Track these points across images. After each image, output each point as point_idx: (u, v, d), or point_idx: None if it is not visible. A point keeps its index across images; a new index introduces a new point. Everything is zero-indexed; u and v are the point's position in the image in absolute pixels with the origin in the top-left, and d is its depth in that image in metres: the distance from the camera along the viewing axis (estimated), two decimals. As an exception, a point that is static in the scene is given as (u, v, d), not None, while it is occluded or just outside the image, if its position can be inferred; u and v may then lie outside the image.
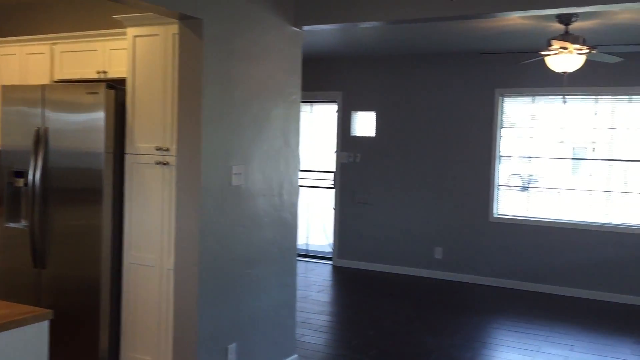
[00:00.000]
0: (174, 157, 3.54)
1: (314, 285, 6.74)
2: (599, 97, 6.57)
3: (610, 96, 6.52)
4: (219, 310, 3.50)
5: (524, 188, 7.06)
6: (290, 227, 4.14)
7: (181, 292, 3.38)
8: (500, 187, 6.97)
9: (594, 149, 6.90)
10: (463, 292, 6.56)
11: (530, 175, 7.08)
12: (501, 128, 6.95)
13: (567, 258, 6.57)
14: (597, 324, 5.51)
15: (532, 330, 5.26)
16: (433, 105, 7.24)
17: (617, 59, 5.22)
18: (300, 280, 6.85)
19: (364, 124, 7.79)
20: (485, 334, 5.17)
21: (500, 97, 6.92)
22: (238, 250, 3.64)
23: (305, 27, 4.05)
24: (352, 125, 7.76)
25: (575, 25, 4.99)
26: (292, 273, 4.20)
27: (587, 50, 4.90)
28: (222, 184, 3.47)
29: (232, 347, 3.61)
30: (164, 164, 3.66)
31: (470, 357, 4.58)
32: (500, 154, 6.95)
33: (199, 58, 3.27)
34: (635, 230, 6.30)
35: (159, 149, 3.67)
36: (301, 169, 8.62)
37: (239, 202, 3.62)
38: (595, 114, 6.68)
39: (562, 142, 6.86)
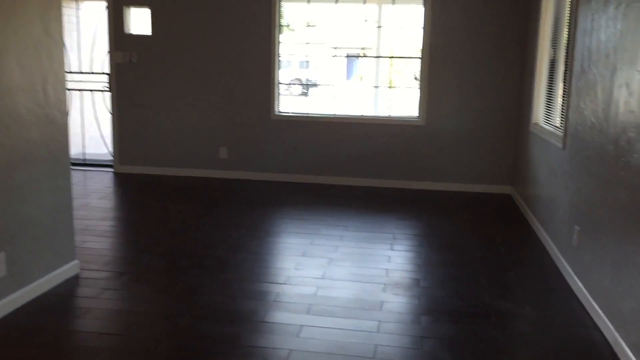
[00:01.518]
0: None
1: (95, 193, 6.40)
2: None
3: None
4: (-19, 218, 3.15)
5: (304, 93, 7.35)
6: (59, 126, 3.81)
7: None
8: (281, 85, 7.14)
9: (364, 51, 7.37)
10: (248, 189, 6.76)
11: (309, 80, 7.36)
12: (279, 32, 7.01)
13: (342, 150, 7.08)
14: (367, 207, 6.10)
15: (311, 217, 5.65)
16: (211, 3, 7.02)
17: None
18: (79, 189, 6.46)
19: (139, 21, 7.31)
20: (269, 223, 5.43)
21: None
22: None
23: None
24: (125, 23, 7.23)
25: None
26: (65, 175, 3.91)
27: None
28: (-30, 76, 3.03)
29: (1, 256, 3.31)
30: None
31: (256, 244, 4.79)
32: (280, 56, 7.06)
33: None
34: (400, 121, 6.98)
35: None
36: (72, 70, 7.94)
37: (-7, 97, 3.20)
38: (365, 20, 7.08)
39: (336, 47, 7.19)
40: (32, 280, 3.60)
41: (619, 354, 3.07)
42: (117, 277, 4.02)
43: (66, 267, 3.92)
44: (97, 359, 2.94)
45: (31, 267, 3.59)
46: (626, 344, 3.00)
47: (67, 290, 3.77)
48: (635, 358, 2.87)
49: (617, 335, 3.12)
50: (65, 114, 3.86)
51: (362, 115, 7.06)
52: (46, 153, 3.69)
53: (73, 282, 3.90)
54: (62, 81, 3.81)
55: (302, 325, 3.35)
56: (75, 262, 4.05)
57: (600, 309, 3.42)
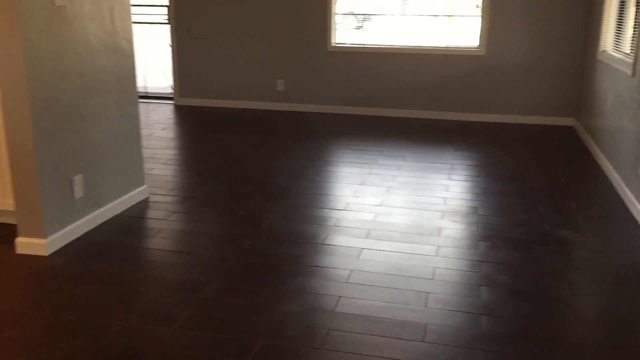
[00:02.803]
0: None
1: (157, 124, 6.60)
2: None
3: None
4: (59, 142, 3.33)
5: (359, 27, 7.25)
6: (126, 54, 3.92)
7: (13, 125, 3.14)
8: (337, 16, 7.05)
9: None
10: (305, 121, 6.82)
11: (365, 13, 7.24)
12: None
13: (399, 82, 7.01)
14: (424, 139, 6.08)
15: (369, 147, 5.69)
16: None
17: None
18: (142, 120, 6.66)
19: (196, -49, 7.29)
20: (328, 154, 5.50)
21: None
22: (73, 78, 3.41)
23: None
24: (182, -46, 7.22)
25: None
26: (133, 103, 4.06)
27: None
28: (44, 3, 3.14)
29: (78, 178, 3.51)
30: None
31: (314, 173, 4.89)
32: (337, -19, 6.94)
33: None
34: (458, 51, 6.82)
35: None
36: (132, 3, 8.04)
37: (66, 25, 3.32)
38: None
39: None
40: (107, 202, 3.81)
41: (683, 281, 3.05)
42: (183, 202, 4.21)
43: (137, 191, 4.13)
44: (172, 273, 3.13)
45: (105, 189, 3.79)
46: (690, 271, 2.97)
47: (139, 212, 3.98)
48: (700, 284, 2.85)
49: (681, 262, 3.09)
50: (131, 42, 3.96)
51: (420, 46, 6.93)
52: (115, 81, 3.82)
53: (143, 205, 4.11)
54: (128, 10, 3.90)
55: (362, 249, 3.46)
56: (145, 186, 4.24)
57: (665, 237, 3.38)
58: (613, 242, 3.61)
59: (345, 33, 7.13)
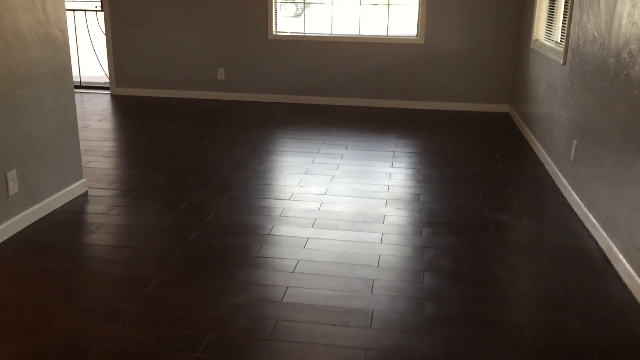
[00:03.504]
0: None
1: (94, 115, 6.40)
2: None
3: None
4: (-9, 136, 3.19)
5: (298, 15, 7.24)
6: (60, 44, 3.78)
7: (-60, 119, 2.99)
8: (279, 5, 7.01)
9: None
10: (247, 110, 6.77)
11: (304, 0, 7.23)
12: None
13: (340, 70, 7.05)
14: (366, 127, 6.15)
15: (311, 136, 5.71)
16: None
17: None
18: (77, 111, 6.44)
19: (130, -64, 7.07)
20: (270, 143, 5.49)
21: None
22: (3, 70, 3.27)
23: None
24: (116, -62, 7.00)
25: None
26: (69, 94, 3.92)
27: None
28: (-31, -8, 2.99)
29: (12, 173, 3.38)
30: None
31: (258, 163, 4.87)
32: (276, -31, 6.89)
33: None
34: (397, 40, 6.91)
35: None
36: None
37: (-6, 14, 3.17)
38: None
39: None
40: (43, 198, 3.69)
41: (612, 260, 3.22)
42: (124, 195, 4.12)
43: (75, 185, 4.01)
44: (115, 269, 3.07)
45: (41, 184, 3.67)
46: (619, 250, 3.14)
47: (77, 207, 3.87)
48: (627, 262, 3.02)
49: (610, 242, 3.27)
50: (65, 32, 3.82)
51: (360, 35, 6.98)
52: (49, 72, 3.69)
53: (82, 200, 3.99)
54: (61, -2, 3.76)
55: (308, 238, 3.48)
56: (84, 180, 4.12)
57: (595, 219, 3.55)
58: (548, 225, 3.77)
59: (285, 20, 7.10)
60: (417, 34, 6.85)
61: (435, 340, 2.51)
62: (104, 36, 7.34)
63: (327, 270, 3.10)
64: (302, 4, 7.30)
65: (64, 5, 3.79)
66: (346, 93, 7.10)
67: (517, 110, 6.42)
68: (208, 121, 6.23)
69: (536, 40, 5.77)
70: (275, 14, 7.02)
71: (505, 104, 6.94)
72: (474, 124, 6.34)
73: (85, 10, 7.74)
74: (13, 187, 3.39)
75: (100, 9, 7.28)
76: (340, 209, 3.95)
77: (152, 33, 7.19)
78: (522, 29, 6.45)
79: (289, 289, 2.90)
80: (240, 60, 7.16)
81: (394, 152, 5.25)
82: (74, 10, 7.73)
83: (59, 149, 3.83)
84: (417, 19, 6.81)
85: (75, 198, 3.99)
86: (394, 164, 4.92)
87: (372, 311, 2.71)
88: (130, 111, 6.68)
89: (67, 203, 3.90)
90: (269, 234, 3.52)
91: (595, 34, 3.79)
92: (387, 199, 4.13)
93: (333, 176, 4.58)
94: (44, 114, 3.65)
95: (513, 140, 5.75)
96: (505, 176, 4.67)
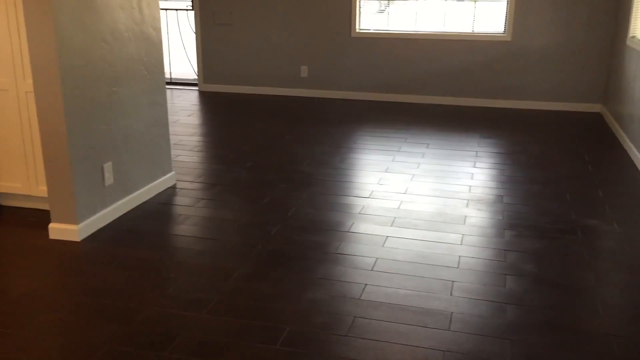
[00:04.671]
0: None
1: (182, 110, 6.66)
2: None
3: None
4: (90, 130, 3.40)
5: (382, 11, 7.22)
6: (154, 43, 3.97)
7: (45, 114, 3.21)
8: (362, 2, 7.02)
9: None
10: (329, 107, 6.83)
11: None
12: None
13: (423, 68, 6.97)
14: (448, 126, 6.05)
15: (392, 134, 5.69)
16: None
17: None
18: (168, 107, 6.72)
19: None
20: (351, 140, 5.51)
21: None
22: (102, 67, 3.47)
23: None
24: (207, -61, 7.24)
25: None
26: (161, 91, 4.11)
27: None
28: (74, -6, 3.19)
29: (108, 165, 3.58)
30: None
31: (339, 160, 4.91)
32: (361, -34, 6.90)
33: None
34: (484, 37, 6.75)
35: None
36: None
37: (96, 15, 3.37)
38: None
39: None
40: (136, 189, 3.89)
41: None
42: (210, 188, 4.26)
43: (165, 177, 4.19)
44: (201, 259, 3.19)
45: (134, 176, 3.86)
46: None
47: (166, 199, 4.05)
48: None
49: None
50: (159, 31, 4.00)
51: (445, 32, 6.88)
52: (143, 69, 3.87)
53: (171, 192, 4.17)
54: (155, -1, 3.94)
55: (387, 236, 3.48)
56: (172, 173, 4.31)
57: (694, 227, 3.34)
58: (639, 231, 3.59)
59: (368, 17, 7.10)
60: (504, 31, 6.67)
61: (516, 346, 2.45)
62: (194, 34, 7.60)
63: (406, 269, 3.09)
64: (387, 1, 7.27)
65: (158, 5, 3.96)
66: (429, 91, 7.02)
67: (610, 110, 6.12)
68: (291, 118, 6.34)
69: (633, 37, 5.47)
70: (359, 11, 7.03)
71: (597, 104, 6.64)
72: (563, 124, 6.10)
73: (177, 10, 8.05)
74: (109, 179, 3.59)
75: (191, 8, 7.55)
76: (420, 208, 3.92)
77: (238, 31, 7.38)
78: (618, 25, 6.13)
79: (367, 286, 2.91)
80: (323, 58, 7.22)
81: (476, 152, 5.14)
82: (166, 9, 8.06)
83: (151, 143, 4.02)
84: (505, 15, 6.63)
85: (164, 190, 4.18)
86: (476, 163, 4.82)
87: (451, 313, 2.68)
88: (217, 107, 6.89)
89: (157, 194, 4.09)
90: (348, 231, 3.55)
91: (700, 31, 3.56)
92: (468, 200, 4.05)
93: (413, 175, 4.55)
94: (138, 109, 3.84)
95: (605, 141, 5.50)
96: (596, 179, 4.47)
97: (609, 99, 6.23)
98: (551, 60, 6.62)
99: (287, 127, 5.95)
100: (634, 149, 4.88)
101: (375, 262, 3.17)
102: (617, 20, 6.23)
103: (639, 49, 5.08)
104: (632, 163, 4.83)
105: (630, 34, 5.53)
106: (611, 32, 6.37)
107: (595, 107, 6.65)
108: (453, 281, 2.97)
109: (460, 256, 3.24)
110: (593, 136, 5.69)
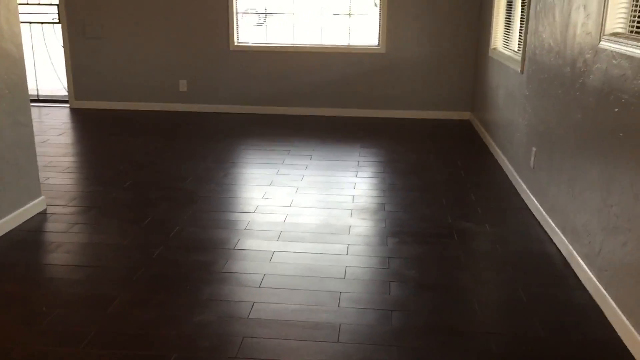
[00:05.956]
0: None
1: (53, 129, 6.26)
2: None
3: None
4: (-57, 156, 3.09)
5: (260, 24, 7.25)
6: (15, 59, 3.70)
7: None
8: (240, 15, 6.99)
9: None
10: (210, 122, 6.72)
11: (266, 9, 7.23)
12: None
13: (302, 80, 7.05)
14: (329, 136, 6.16)
15: (275, 147, 5.69)
16: None
17: None
18: (35, 125, 6.30)
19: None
20: (235, 155, 5.45)
21: None
22: (-46, 86, 3.17)
23: None
24: (72, -51, 6.88)
25: None
26: (24, 110, 3.83)
27: None
28: None
29: (-33, 193, 3.27)
30: None
31: (222, 175, 4.83)
32: (236, -20, 6.88)
33: None
34: (359, 49, 6.95)
35: None
36: (20, 2, 7.57)
37: (-56, 29, 3.08)
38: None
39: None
40: (0, 217, 3.58)
41: (572, 264, 3.29)
42: (85, 212, 4.03)
43: (33, 203, 3.90)
44: (76, 289, 2.99)
45: (-2, 204, 3.56)
46: (579, 255, 3.21)
47: (36, 226, 3.77)
48: (587, 267, 3.09)
49: (570, 247, 3.33)
50: (20, 46, 3.74)
51: (322, 44, 7.01)
52: (3, 88, 3.59)
53: (41, 218, 3.89)
54: (15, 12, 3.67)
55: (274, 251, 3.46)
56: (42, 198, 4.02)
57: (555, 224, 3.62)
58: (510, 231, 3.83)
59: (246, 30, 7.09)
60: (378, 43, 6.91)
61: (402, 352, 2.52)
62: (62, 49, 7.20)
63: (294, 283, 3.08)
64: (264, 15, 7.30)
65: (18, 20, 3.70)
66: (309, 103, 7.11)
67: (477, 117, 6.53)
68: (170, 133, 6.16)
69: (494, 48, 5.88)
70: (237, 25, 7.00)
71: (466, 112, 7.05)
72: (436, 132, 6.41)
73: (42, 23, 7.58)
74: (-33, 208, 3.28)
75: (57, 21, 7.14)
76: (305, 220, 3.94)
77: (111, 45, 7.08)
78: (481, 37, 6.56)
79: (255, 304, 2.87)
80: (203, 71, 7.10)
81: (358, 161, 5.27)
82: (29, 22, 7.57)
83: (15, 166, 3.73)
84: (378, 29, 6.87)
85: (33, 216, 3.89)
86: (358, 173, 4.94)
87: (340, 324, 2.71)
88: (91, 125, 6.55)
89: (25, 222, 3.80)
90: (234, 249, 3.49)
91: (551, 43, 3.88)
92: (352, 209, 4.13)
93: (298, 187, 4.57)
94: (-1, 131, 3.56)
95: (474, 147, 5.84)
96: (468, 183, 4.73)
97: (476, 106, 6.64)
98: (423, 71, 6.95)
99: (167, 143, 5.77)
100: (501, 154, 5.22)
101: (263, 278, 3.13)
102: (480, 33, 6.66)
103: (500, 60, 5.46)
104: (499, 166, 5.17)
105: (492, 45, 5.94)
106: (476, 44, 6.81)
107: (465, 115, 7.06)
108: (340, 292, 3.00)
109: (346, 266, 3.28)
110: (464, 142, 6.03)
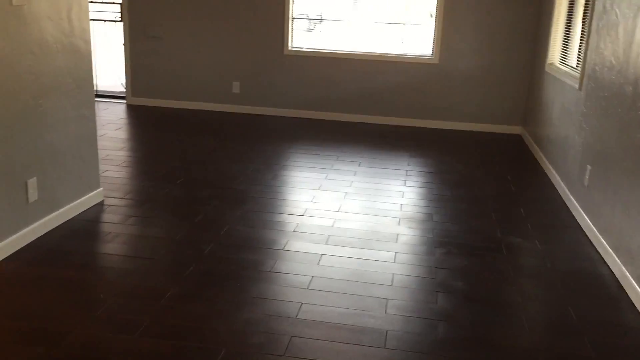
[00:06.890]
0: None
1: (110, 124, 6.47)
2: None
3: None
4: (13, 144, 3.24)
5: (311, 30, 7.34)
6: (83, 55, 3.84)
7: (-35, 126, 3.05)
8: (295, 20, 7.08)
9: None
10: (261, 124, 6.82)
11: (318, 15, 7.31)
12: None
13: (354, 87, 7.09)
14: (379, 144, 6.18)
15: (324, 152, 5.74)
16: None
17: None
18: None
19: (151, -51, 7.18)
20: (284, 158, 5.52)
21: None
22: (28, 79, 3.32)
23: None
24: (137, -49, 7.11)
25: None
26: (89, 105, 3.98)
27: None
28: (1, 3, 3.05)
29: (32, 181, 3.42)
30: None
31: (271, 177, 4.91)
32: (294, -15, 6.98)
33: None
34: (412, 59, 6.95)
35: None
36: None
37: (23, 25, 3.23)
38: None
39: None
40: (61, 206, 3.73)
41: (625, 287, 3.22)
42: (139, 205, 4.15)
43: (92, 194, 4.05)
44: (129, 279, 3.10)
45: (60, 193, 3.71)
46: (633, 278, 3.14)
47: (93, 216, 3.91)
48: (641, 290, 3.02)
49: (624, 269, 3.27)
50: (89, 43, 3.89)
51: (375, 52, 7.04)
52: (71, 82, 3.74)
53: (98, 209, 4.03)
54: (86, 10, 3.82)
55: (322, 254, 3.50)
56: (100, 189, 4.17)
57: (609, 245, 3.56)
58: (560, 248, 3.78)
59: (301, 35, 7.17)
60: (432, 54, 6.90)
61: (448, 362, 2.52)
62: (123, 47, 7.42)
63: (342, 287, 3.11)
64: (318, 21, 7.37)
65: (88, 17, 3.85)
66: (359, 110, 7.15)
67: (529, 132, 6.44)
68: (222, 133, 6.28)
69: (551, 64, 5.80)
70: (292, 30, 7.09)
71: (517, 126, 6.96)
72: (486, 145, 6.36)
73: (105, 21, 7.83)
74: (32, 195, 3.43)
75: (120, 19, 7.37)
76: (353, 226, 3.97)
77: (169, 45, 7.27)
78: (537, 52, 6.48)
79: (303, 305, 2.91)
80: (256, 74, 7.22)
81: (406, 170, 5.27)
82: (93, 20, 7.83)
83: (78, 158, 3.88)
84: (432, 39, 6.86)
85: (92, 207, 4.03)
86: (406, 182, 4.94)
87: (386, 331, 2.73)
88: (146, 121, 6.74)
89: (84, 211, 3.94)
90: (283, 249, 3.55)
91: (613, 61, 3.82)
92: (400, 218, 4.14)
93: (346, 193, 4.61)
94: (65, 123, 3.71)
95: (525, 161, 5.77)
96: (518, 198, 4.68)
97: (528, 121, 6.56)
98: (475, 83, 6.90)
99: (219, 143, 5.89)
100: (553, 170, 5.14)
101: (311, 280, 3.18)
102: (536, 47, 6.58)
103: (557, 76, 5.39)
104: (550, 183, 5.09)
105: (549, 60, 5.86)
106: (531, 58, 6.72)
107: (516, 129, 6.97)
108: (387, 299, 3.02)
109: (393, 274, 3.30)
110: (514, 157, 5.96)
